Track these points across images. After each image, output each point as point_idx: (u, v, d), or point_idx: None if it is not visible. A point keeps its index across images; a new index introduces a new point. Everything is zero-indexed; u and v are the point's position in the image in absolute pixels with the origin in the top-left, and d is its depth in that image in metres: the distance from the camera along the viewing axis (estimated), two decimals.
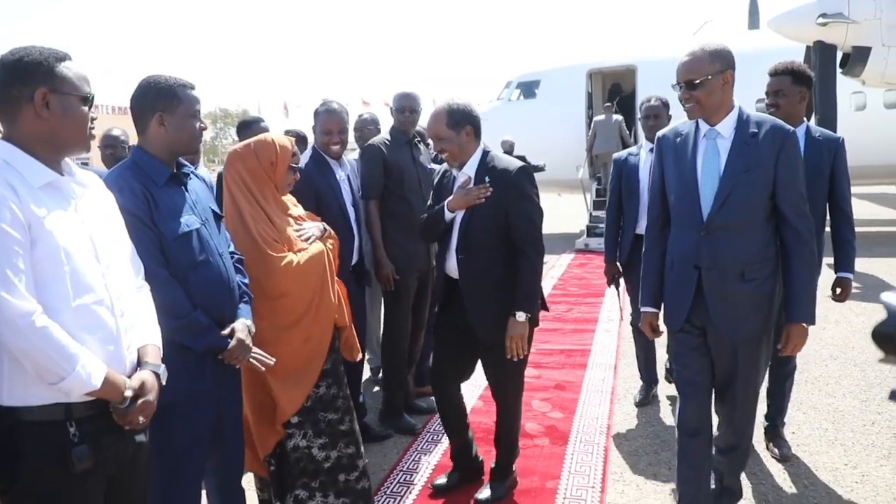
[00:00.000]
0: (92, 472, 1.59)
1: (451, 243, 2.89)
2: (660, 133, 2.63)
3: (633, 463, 3.38)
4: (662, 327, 2.71)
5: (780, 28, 8.60)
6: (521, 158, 9.66)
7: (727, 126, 2.41)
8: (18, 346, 1.46)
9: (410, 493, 3.13)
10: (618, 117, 11.48)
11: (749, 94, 10.93)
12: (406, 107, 3.93)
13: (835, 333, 5.51)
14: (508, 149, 10.77)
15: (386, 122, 4.42)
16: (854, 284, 3.15)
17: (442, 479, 3.13)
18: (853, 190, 3.33)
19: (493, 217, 2.75)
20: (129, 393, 1.62)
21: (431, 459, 3.49)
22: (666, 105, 4.04)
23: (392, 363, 3.91)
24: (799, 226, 2.40)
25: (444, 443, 3.53)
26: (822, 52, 8.37)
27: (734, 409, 2.56)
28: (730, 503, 2.78)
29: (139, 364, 1.72)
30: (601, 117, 11.48)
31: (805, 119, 3.17)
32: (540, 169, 10.92)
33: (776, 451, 3.35)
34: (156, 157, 2.12)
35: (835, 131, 8.39)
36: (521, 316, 2.73)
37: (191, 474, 2.15)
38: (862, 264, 8.26)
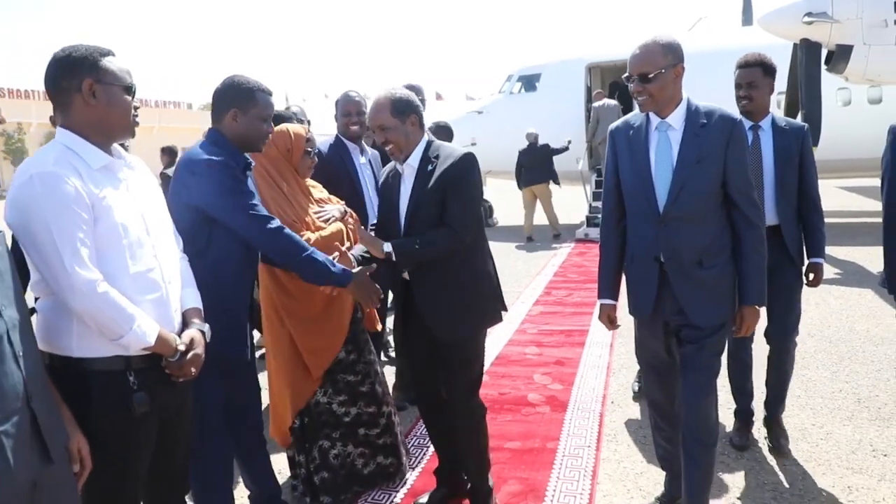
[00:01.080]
0: (148, 416, 1.84)
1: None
2: (612, 126, 2.64)
3: (626, 426, 3.79)
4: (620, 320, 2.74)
5: (769, 26, 8.96)
6: (545, 146, 10.15)
7: (677, 118, 2.43)
8: (84, 309, 1.70)
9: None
10: (615, 102, 11.86)
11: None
12: (415, 93, 4.32)
13: (814, 315, 5.92)
14: (533, 140, 11.24)
15: None
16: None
17: (424, 499, 2.98)
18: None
19: (437, 205, 2.60)
20: (181, 347, 1.88)
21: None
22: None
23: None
24: (748, 212, 2.44)
25: None
26: (808, 50, 8.72)
27: (695, 389, 2.50)
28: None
29: (185, 324, 1.99)
30: (600, 103, 11.85)
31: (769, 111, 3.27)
32: (565, 149, 11.45)
33: (775, 442, 3.40)
34: (234, 149, 2.45)
35: (819, 126, 8.83)
36: (387, 246, 2.57)
37: (220, 423, 2.50)
38: (846, 252, 8.70)
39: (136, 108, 1.92)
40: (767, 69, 3.20)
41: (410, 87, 4.28)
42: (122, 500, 1.89)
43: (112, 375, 1.80)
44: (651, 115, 2.47)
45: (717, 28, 13.96)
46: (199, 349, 1.95)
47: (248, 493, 2.91)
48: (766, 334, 3.41)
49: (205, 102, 48.85)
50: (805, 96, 8.76)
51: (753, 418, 3.57)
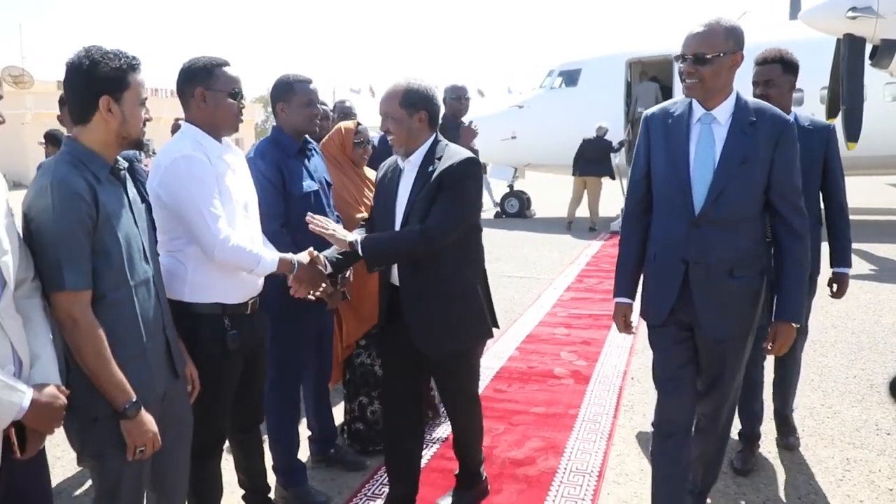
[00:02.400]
0: (237, 352, 2.30)
1: None
2: (647, 112, 2.44)
3: (643, 399, 4.07)
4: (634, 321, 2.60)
5: (812, 21, 8.99)
6: (608, 142, 10.42)
7: (724, 112, 2.23)
8: (225, 259, 2.19)
9: None
10: (654, 84, 11.96)
11: None
12: (461, 95, 4.67)
13: (840, 307, 6.01)
14: (602, 133, 11.51)
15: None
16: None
17: None
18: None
19: (430, 207, 2.46)
20: (300, 260, 2.44)
21: None
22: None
23: None
24: (793, 221, 2.26)
25: None
26: (851, 45, 8.73)
27: (718, 408, 2.43)
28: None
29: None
30: (640, 85, 11.99)
31: (792, 108, 3.02)
32: (617, 149, 11.75)
33: (784, 440, 3.35)
34: (287, 135, 2.86)
35: (860, 122, 8.83)
36: (352, 236, 2.51)
37: (296, 368, 2.93)
38: (886, 249, 8.71)
39: (241, 108, 2.36)
40: (788, 66, 2.96)
41: (455, 88, 4.64)
42: (218, 417, 2.35)
43: (213, 318, 2.25)
44: (695, 104, 2.26)
45: (761, 22, 13.86)
46: (320, 229, 2.50)
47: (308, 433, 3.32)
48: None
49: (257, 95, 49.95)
50: (846, 92, 8.78)
51: (760, 442, 3.32)
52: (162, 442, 1.95)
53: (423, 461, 3.14)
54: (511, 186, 14.28)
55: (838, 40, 9.08)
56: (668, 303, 2.33)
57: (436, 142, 2.55)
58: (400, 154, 2.56)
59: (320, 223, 2.51)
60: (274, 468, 2.94)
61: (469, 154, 2.51)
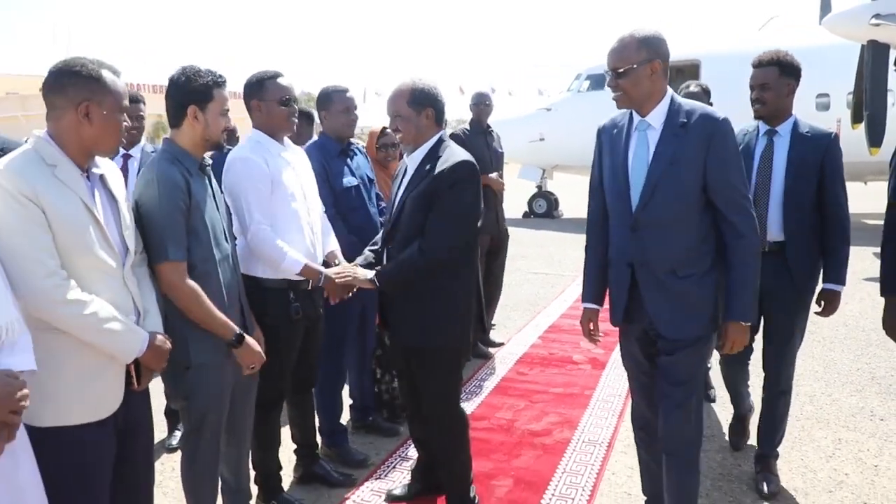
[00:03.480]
0: (299, 322, 2.71)
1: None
2: (600, 124, 2.51)
3: None
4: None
5: (835, 28, 9.18)
6: None
7: (657, 117, 2.28)
8: (255, 246, 2.62)
9: None
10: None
11: (813, 88, 11.46)
12: (481, 101, 5.05)
13: (854, 308, 6.28)
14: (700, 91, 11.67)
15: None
16: None
17: (398, 490, 3.02)
18: None
19: (420, 211, 2.54)
20: (327, 273, 2.70)
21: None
22: (707, 92, 3.93)
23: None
24: (734, 219, 2.26)
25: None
26: (874, 51, 8.90)
27: (677, 410, 2.37)
28: None
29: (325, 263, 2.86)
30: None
31: (793, 114, 2.96)
32: None
33: (763, 485, 3.01)
34: (330, 139, 3.33)
35: (884, 128, 8.97)
36: (369, 274, 2.62)
37: (341, 341, 3.34)
38: None
39: (293, 114, 2.77)
40: (786, 68, 2.88)
41: (479, 95, 5.04)
42: (279, 377, 2.75)
43: (280, 292, 2.68)
44: (633, 113, 2.35)
45: (790, 27, 13.94)
46: (341, 279, 2.69)
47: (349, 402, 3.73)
48: (764, 364, 3.09)
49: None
50: (870, 98, 8.96)
51: (751, 413, 3.44)
52: (233, 393, 2.36)
53: None
54: (539, 187, 14.60)
55: (862, 46, 9.25)
56: (621, 304, 2.40)
57: (439, 141, 2.63)
58: (408, 151, 2.69)
59: (342, 273, 2.67)
60: (319, 429, 3.34)
61: (464, 157, 2.55)
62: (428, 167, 2.56)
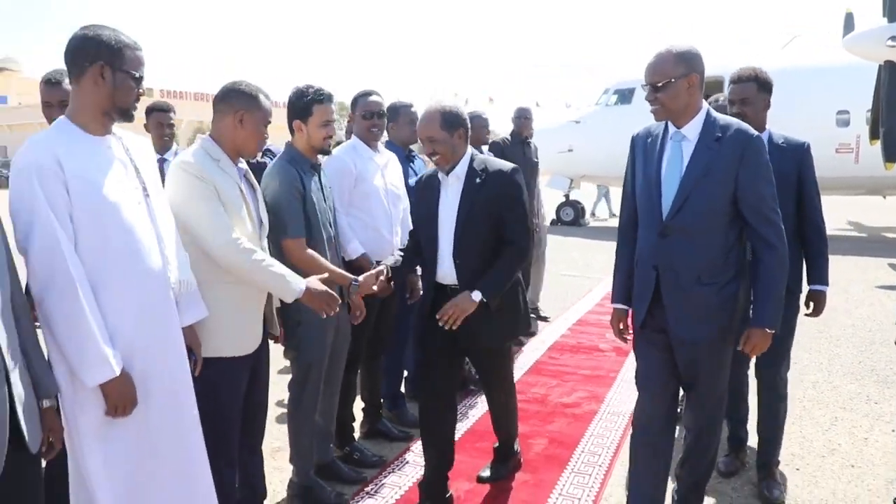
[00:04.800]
0: (375, 297, 3.19)
1: (439, 250, 2.85)
2: (634, 133, 2.62)
3: None
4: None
5: (853, 48, 9.62)
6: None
7: (693, 129, 2.39)
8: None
9: None
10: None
11: (833, 105, 11.83)
12: (522, 115, 5.63)
13: (864, 311, 6.70)
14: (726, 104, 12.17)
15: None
16: None
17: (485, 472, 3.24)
18: None
19: (489, 218, 2.73)
20: (357, 280, 2.85)
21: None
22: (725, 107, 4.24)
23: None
24: (764, 231, 2.36)
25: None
26: (891, 71, 9.33)
27: (697, 410, 2.55)
28: None
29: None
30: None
31: (766, 127, 3.08)
32: None
33: (766, 493, 3.06)
34: (395, 146, 3.89)
35: None
36: (476, 295, 2.70)
37: (409, 320, 3.85)
38: None
39: (374, 126, 3.35)
40: (763, 84, 3.03)
41: (520, 109, 5.61)
42: (361, 340, 3.29)
43: (360, 270, 3.13)
44: (669, 124, 2.46)
45: (813, 46, 14.34)
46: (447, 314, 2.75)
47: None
48: (756, 367, 3.18)
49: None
50: (886, 115, 9.37)
51: (746, 444, 3.42)
52: (332, 349, 2.94)
53: (462, 433, 3.74)
54: (567, 196, 15.12)
55: (880, 66, 9.67)
56: (644, 307, 2.49)
57: (473, 155, 2.86)
58: (444, 170, 2.83)
59: (447, 311, 2.72)
60: (383, 394, 3.91)
61: (510, 165, 2.86)
62: (478, 180, 2.75)
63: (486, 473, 3.24)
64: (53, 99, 2.71)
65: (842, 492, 3.15)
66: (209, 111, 2.55)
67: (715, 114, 2.42)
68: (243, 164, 2.53)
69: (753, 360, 3.03)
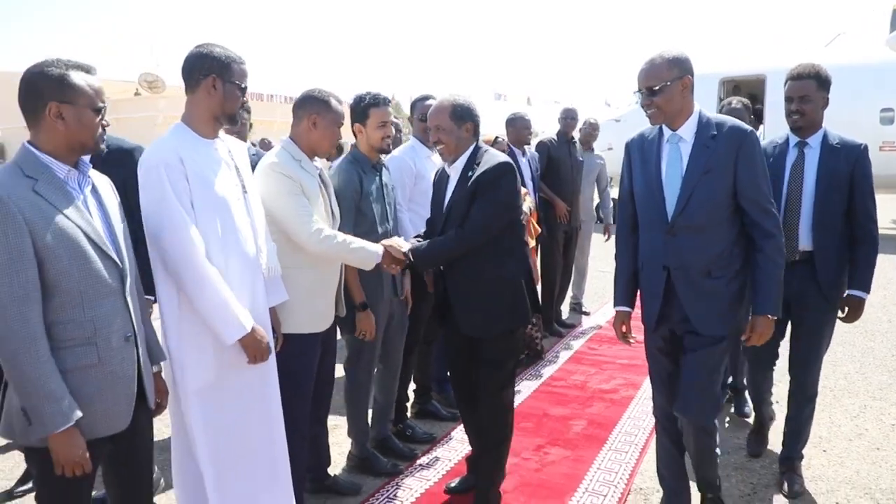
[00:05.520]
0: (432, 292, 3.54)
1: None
2: (628, 139, 2.68)
3: None
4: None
5: (895, 46, 9.59)
6: None
7: (688, 130, 2.46)
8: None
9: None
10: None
11: (877, 103, 11.75)
12: (568, 116, 5.88)
13: None
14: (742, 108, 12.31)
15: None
16: None
17: (454, 483, 3.18)
18: None
19: (467, 207, 2.71)
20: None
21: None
22: (747, 107, 4.03)
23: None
24: (761, 221, 2.43)
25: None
26: None
27: (692, 399, 2.55)
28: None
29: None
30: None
31: (823, 126, 3.01)
32: None
33: (786, 486, 3.10)
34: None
35: None
36: (405, 246, 2.81)
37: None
38: None
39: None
40: (822, 82, 2.95)
41: (566, 110, 5.87)
42: (417, 332, 3.60)
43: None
44: (663, 127, 2.52)
45: (857, 44, 14.17)
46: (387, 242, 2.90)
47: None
48: (789, 367, 3.16)
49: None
50: None
51: (772, 422, 3.48)
52: (389, 333, 3.25)
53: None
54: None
55: None
56: (656, 307, 2.55)
57: (476, 149, 2.83)
58: (448, 161, 2.87)
59: (388, 242, 2.85)
60: (432, 377, 4.22)
61: (503, 159, 2.76)
62: (470, 173, 2.75)
63: None
64: None
65: (865, 472, 3.34)
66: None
67: (707, 114, 2.50)
68: (318, 163, 2.87)
69: (786, 358, 3.14)
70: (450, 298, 2.82)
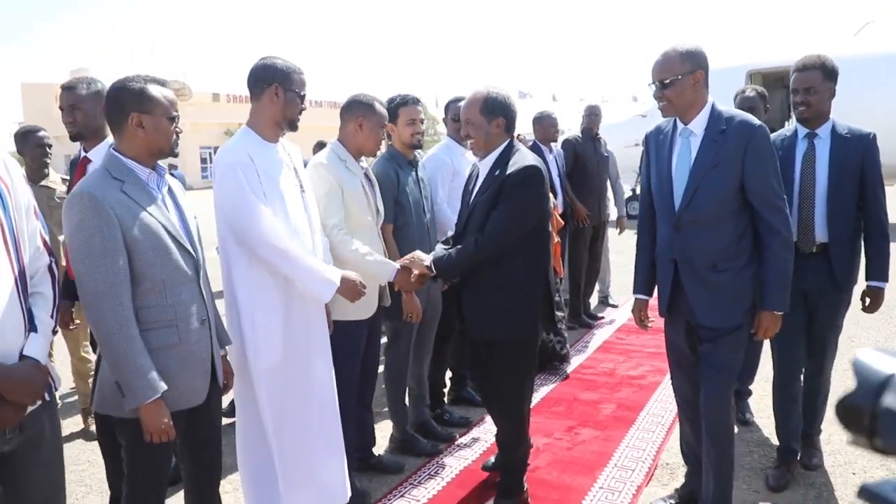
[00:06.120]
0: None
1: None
2: (647, 131, 2.70)
3: None
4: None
5: None
6: None
7: (699, 124, 2.47)
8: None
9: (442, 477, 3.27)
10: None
11: None
12: (592, 112, 6.05)
13: None
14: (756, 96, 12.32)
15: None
16: None
17: (491, 461, 3.29)
18: None
19: (488, 210, 2.68)
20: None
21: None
22: (762, 96, 3.98)
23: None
24: (769, 217, 2.43)
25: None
26: None
27: (712, 391, 2.56)
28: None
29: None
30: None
31: (830, 116, 2.98)
32: None
33: (807, 460, 3.18)
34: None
35: None
36: (427, 259, 2.81)
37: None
38: None
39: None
40: (828, 73, 2.92)
41: (589, 107, 6.04)
42: (452, 320, 3.78)
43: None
44: (677, 121, 2.55)
45: (886, 32, 13.98)
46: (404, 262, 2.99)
47: None
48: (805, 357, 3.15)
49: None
50: None
51: (797, 460, 3.19)
52: (424, 318, 3.47)
53: (537, 401, 4.49)
54: (634, 191, 15.27)
55: None
56: (665, 297, 2.63)
57: (509, 146, 2.75)
58: (479, 156, 2.83)
59: (409, 257, 2.92)
60: (467, 365, 4.43)
61: (532, 162, 2.68)
62: (497, 172, 2.69)
63: None
64: (64, 104, 2.96)
65: None
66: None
67: (720, 107, 2.49)
68: (364, 163, 3.11)
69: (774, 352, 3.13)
70: (461, 299, 2.84)
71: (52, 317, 1.83)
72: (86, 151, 3.01)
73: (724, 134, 2.42)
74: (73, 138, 2.99)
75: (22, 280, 1.72)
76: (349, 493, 2.85)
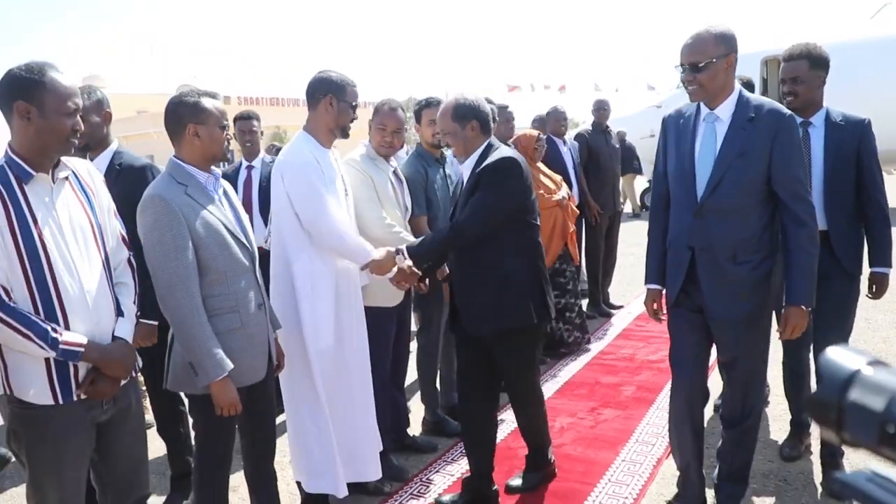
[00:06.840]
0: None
1: None
2: (665, 115, 2.63)
3: None
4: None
5: None
6: None
7: (726, 110, 2.39)
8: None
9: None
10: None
11: None
12: (601, 106, 6.22)
13: None
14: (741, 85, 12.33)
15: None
16: None
17: (448, 498, 3.04)
18: None
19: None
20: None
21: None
22: (748, 85, 3.94)
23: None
24: (796, 209, 2.36)
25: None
26: None
27: (736, 386, 2.58)
28: (735, 490, 2.68)
29: None
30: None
31: (824, 104, 2.95)
32: None
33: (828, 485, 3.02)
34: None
35: None
36: (403, 255, 2.82)
37: None
38: None
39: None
40: (815, 61, 2.89)
41: (598, 101, 6.22)
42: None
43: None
44: (701, 105, 2.46)
45: None
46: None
47: None
48: (814, 344, 3.09)
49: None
50: None
51: (809, 428, 3.32)
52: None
53: (553, 392, 4.57)
54: (650, 182, 15.32)
55: None
56: (677, 285, 2.54)
57: (488, 147, 2.82)
58: (461, 161, 2.91)
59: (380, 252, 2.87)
60: None
61: (507, 154, 2.77)
62: (477, 170, 2.77)
63: (517, 483, 3.11)
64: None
65: None
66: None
67: (747, 94, 2.43)
68: (393, 162, 3.33)
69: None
70: (456, 296, 2.89)
71: (133, 303, 2.07)
72: (91, 160, 3.02)
73: (753, 122, 2.36)
74: (81, 149, 2.81)
75: (108, 271, 1.97)
76: (380, 472, 3.05)
